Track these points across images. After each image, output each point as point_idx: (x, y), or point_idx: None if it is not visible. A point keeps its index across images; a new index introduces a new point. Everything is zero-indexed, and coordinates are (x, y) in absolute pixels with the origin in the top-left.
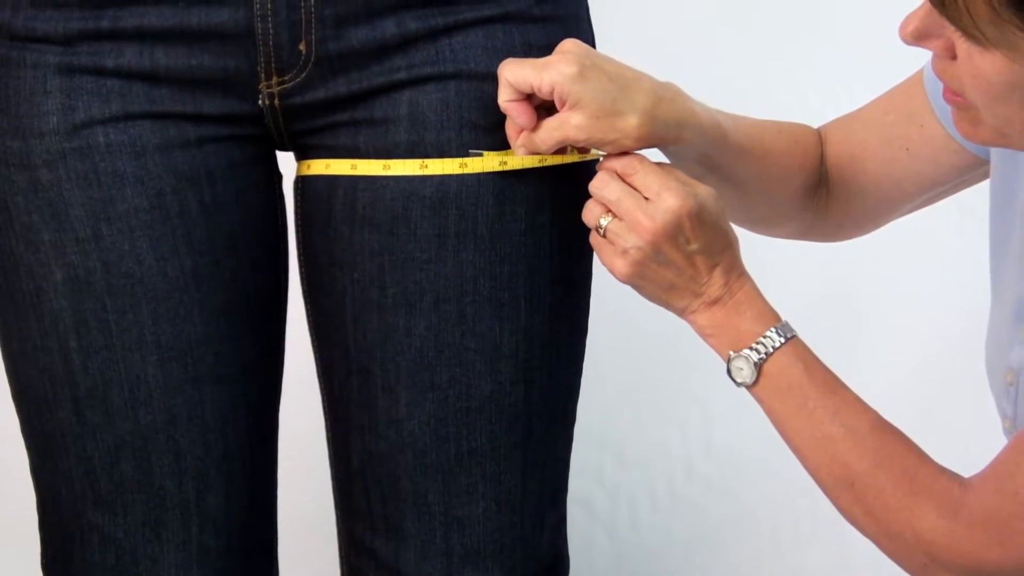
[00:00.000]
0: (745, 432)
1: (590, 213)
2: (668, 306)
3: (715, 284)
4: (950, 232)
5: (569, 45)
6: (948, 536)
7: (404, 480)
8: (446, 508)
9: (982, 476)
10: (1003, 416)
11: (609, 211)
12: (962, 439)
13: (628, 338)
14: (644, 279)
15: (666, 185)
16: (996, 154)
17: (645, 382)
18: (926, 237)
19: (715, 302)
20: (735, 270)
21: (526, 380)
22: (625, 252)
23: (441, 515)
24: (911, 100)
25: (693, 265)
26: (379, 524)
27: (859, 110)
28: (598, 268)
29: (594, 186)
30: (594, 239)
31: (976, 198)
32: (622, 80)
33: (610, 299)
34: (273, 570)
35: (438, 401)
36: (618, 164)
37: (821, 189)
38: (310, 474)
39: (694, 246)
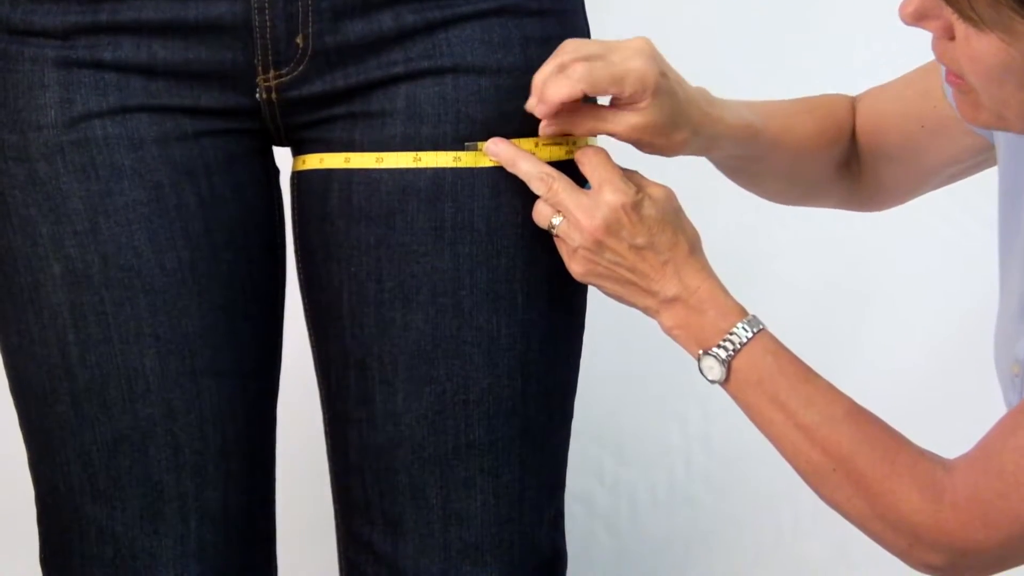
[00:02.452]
0: (745, 427)
1: (540, 214)
2: (633, 305)
3: (669, 282)
4: (955, 231)
5: (641, 43)
6: (933, 517)
7: (402, 474)
8: (444, 502)
9: (968, 457)
10: (1009, 408)
11: (557, 212)
12: (968, 432)
13: (627, 333)
14: (600, 278)
15: (607, 179)
16: (1002, 151)
17: (645, 378)
18: (931, 234)
19: (673, 301)
20: (689, 267)
21: (524, 373)
22: (574, 252)
23: (439, 509)
24: (929, 78)
25: (644, 260)
26: (377, 518)
27: (892, 82)
28: None
29: (538, 187)
30: (555, 239)
31: (981, 199)
32: (684, 96)
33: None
34: (271, 564)
35: (436, 394)
36: (597, 150)
37: (854, 159)
38: (308, 468)
39: (639, 240)
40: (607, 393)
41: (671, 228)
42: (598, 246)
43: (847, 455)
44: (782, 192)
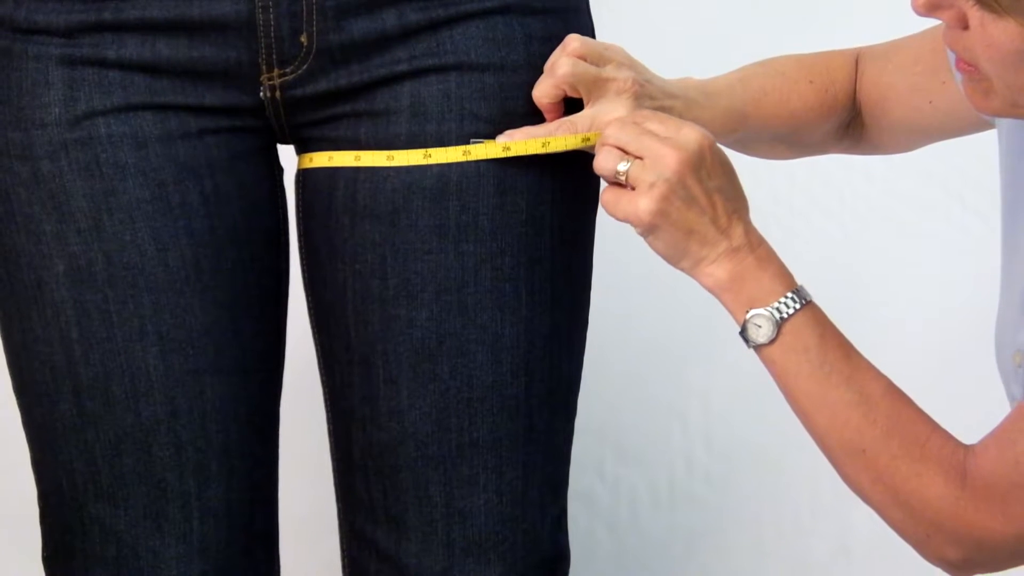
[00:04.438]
0: (745, 425)
1: (606, 160)
2: (686, 255)
3: (736, 232)
4: (955, 229)
5: (628, 81)
6: (954, 504)
7: (405, 471)
8: (447, 500)
9: (983, 444)
10: (1012, 400)
11: (626, 157)
12: (970, 427)
13: (628, 332)
14: (667, 219)
15: (682, 123)
16: (1004, 139)
17: (645, 376)
18: (931, 232)
19: (737, 251)
20: (751, 225)
21: (527, 371)
22: (652, 187)
23: (442, 507)
24: (936, 55)
25: (714, 206)
26: (380, 516)
27: (895, 48)
28: (598, 260)
29: (609, 132)
30: (608, 194)
31: (982, 197)
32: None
33: (611, 293)
34: (274, 562)
35: (439, 392)
36: (629, 116)
37: (856, 119)
38: (311, 466)
39: (715, 182)
40: (608, 391)
41: (738, 181)
42: (680, 181)
43: (880, 436)
44: (778, 155)
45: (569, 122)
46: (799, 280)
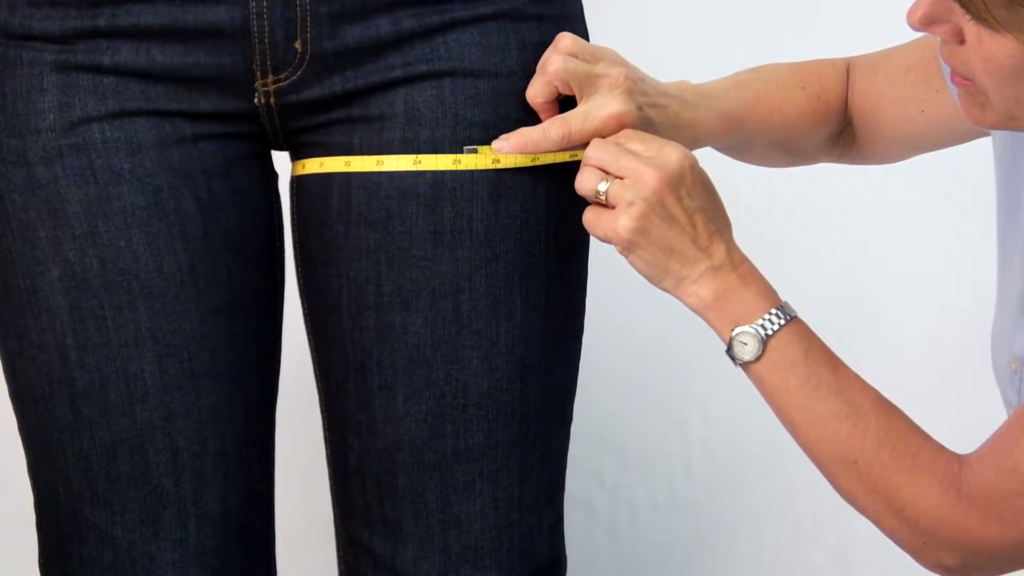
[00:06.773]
0: (745, 432)
1: (587, 181)
2: (667, 274)
3: (717, 251)
4: (953, 234)
5: (620, 76)
6: (949, 513)
7: (401, 478)
8: (443, 506)
9: (979, 453)
10: (1008, 407)
11: (606, 176)
12: (966, 434)
13: (627, 338)
14: (646, 238)
15: (666, 142)
16: (999, 148)
17: (644, 383)
18: (929, 237)
19: (718, 270)
20: (734, 244)
21: (523, 377)
22: (630, 205)
23: (439, 513)
24: (928, 64)
25: (694, 225)
26: (377, 522)
27: (887, 58)
28: (597, 266)
29: (590, 152)
30: (589, 214)
31: (979, 203)
32: (662, 120)
33: (609, 299)
34: (271, 568)
35: (435, 398)
36: (611, 137)
37: (848, 128)
38: (308, 472)
39: (695, 202)
40: (607, 397)
41: (719, 201)
42: (659, 199)
43: (872, 447)
44: (772, 162)
45: (562, 119)
46: (798, 284)
